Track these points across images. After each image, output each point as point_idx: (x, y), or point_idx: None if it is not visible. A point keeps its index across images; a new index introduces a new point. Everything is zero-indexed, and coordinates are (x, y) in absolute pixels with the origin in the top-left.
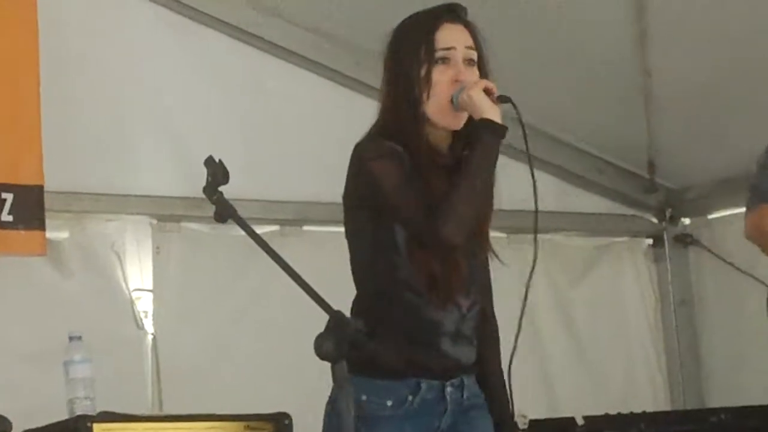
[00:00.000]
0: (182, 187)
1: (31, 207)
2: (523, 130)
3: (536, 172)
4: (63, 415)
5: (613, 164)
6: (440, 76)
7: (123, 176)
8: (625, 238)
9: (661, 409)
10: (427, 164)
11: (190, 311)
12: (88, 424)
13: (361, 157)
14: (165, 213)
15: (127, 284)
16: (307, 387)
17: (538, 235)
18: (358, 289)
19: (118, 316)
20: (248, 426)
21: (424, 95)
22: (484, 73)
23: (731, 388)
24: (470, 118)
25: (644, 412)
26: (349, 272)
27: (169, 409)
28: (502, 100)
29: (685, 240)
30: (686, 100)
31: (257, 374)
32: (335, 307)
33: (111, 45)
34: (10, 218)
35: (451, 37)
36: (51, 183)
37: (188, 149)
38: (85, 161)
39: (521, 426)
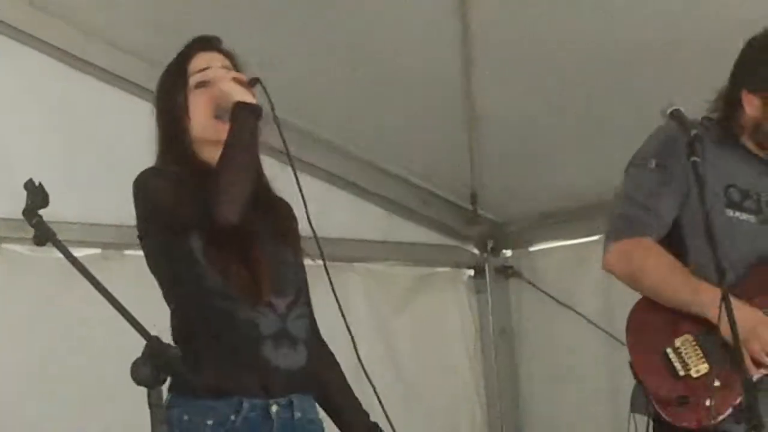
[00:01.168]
0: (3, 207)
1: None
2: (273, 112)
3: (362, 202)
4: None
5: (437, 195)
6: (200, 98)
7: None
8: (447, 269)
9: None
10: (203, 178)
11: (8, 335)
12: None
13: (137, 182)
14: None
15: None
16: (127, 412)
17: (363, 264)
18: (171, 312)
19: None
20: None
21: (186, 120)
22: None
23: (548, 419)
24: None
25: None
26: None
27: None
28: (252, 83)
29: (506, 271)
30: (509, 134)
31: (77, 400)
32: (155, 332)
33: None
34: None
35: (204, 61)
36: None
37: (10, 169)
38: None
39: None
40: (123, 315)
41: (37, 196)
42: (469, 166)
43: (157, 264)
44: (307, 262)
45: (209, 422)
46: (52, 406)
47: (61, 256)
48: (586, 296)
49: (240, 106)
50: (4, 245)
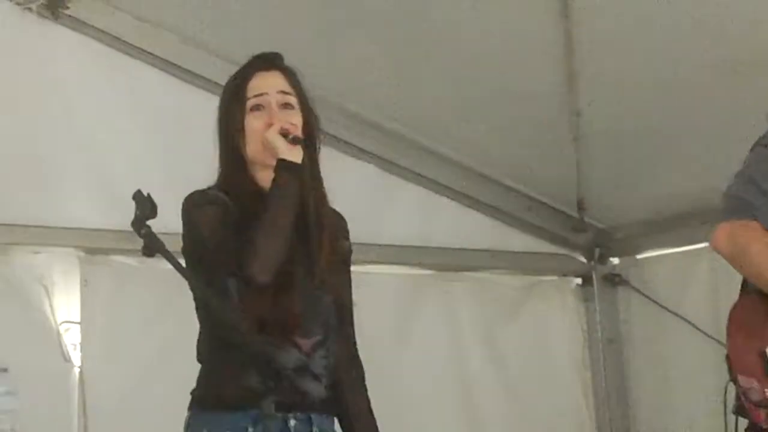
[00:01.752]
0: (111, 219)
1: None
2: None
3: (468, 211)
4: None
5: (543, 203)
6: (255, 122)
7: (51, 208)
8: (554, 277)
9: None
10: (254, 206)
11: (117, 344)
12: None
13: (184, 207)
14: (93, 246)
15: (54, 316)
16: None
17: (469, 273)
18: (200, 330)
19: (44, 348)
20: None
21: (241, 142)
22: (306, 115)
23: (658, 428)
24: None
25: None
26: None
27: None
28: (295, 141)
29: (613, 280)
30: (616, 140)
31: (185, 408)
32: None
33: (38, 77)
34: None
35: (263, 84)
36: None
37: (118, 182)
38: (11, 192)
39: None
40: None
41: (145, 206)
42: (576, 173)
43: (193, 286)
44: (416, 271)
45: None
46: (161, 415)
47: (169, 266)
48: (695, 303)
49: (282, 164)
50: (113, 257)
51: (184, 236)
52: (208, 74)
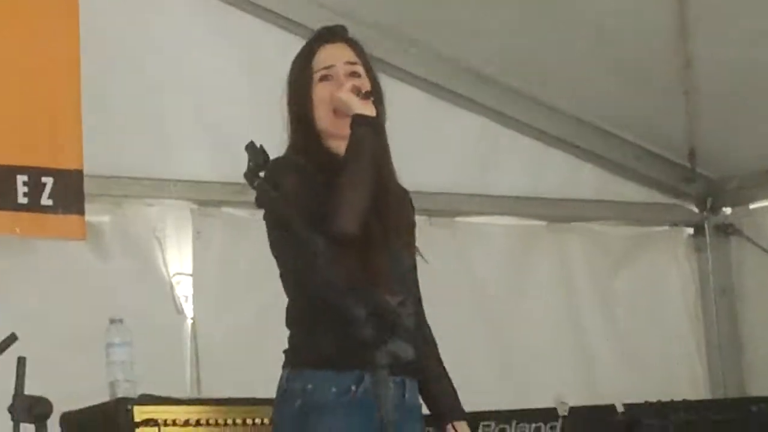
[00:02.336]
0: (223, 172)
1: (70, 191)
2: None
3: (576, 161)
4: (104, 398)
5: (653, 153)
6: (323, 92)
7: (164, 161)
8: (665, 228)
9: (702, 398)
10: (331, 172)
11: (229, 296)
12: (128, 407)
13: (270, 172)
14: (205, 198)
15: (167, 268)
16: None
17: (580, 224)
18: (289, 298)
19: (157, 300)
20: None
21: (312, 113)
22: (373, 84)
23: None
24: None
25: (684, 400)
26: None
27: (207, 393)
28: (367, 95)
29: (726, 230)
30: (728, 90)
31: None
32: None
33: (149, 30)
34: (50, 202)
35: (329, 56)
36: (91, 167)
37: (229, 134)
38: (125, 146)
39: (561, 413)
40: None
41: (258, 157)
42: (686, 123)
43: (281, 251)
44: (527, 221)
45: (333, 390)
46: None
47: None
48: None
49: (357, 119)
50: (224, 209)
51: (272, 201)
52: (314, 25)
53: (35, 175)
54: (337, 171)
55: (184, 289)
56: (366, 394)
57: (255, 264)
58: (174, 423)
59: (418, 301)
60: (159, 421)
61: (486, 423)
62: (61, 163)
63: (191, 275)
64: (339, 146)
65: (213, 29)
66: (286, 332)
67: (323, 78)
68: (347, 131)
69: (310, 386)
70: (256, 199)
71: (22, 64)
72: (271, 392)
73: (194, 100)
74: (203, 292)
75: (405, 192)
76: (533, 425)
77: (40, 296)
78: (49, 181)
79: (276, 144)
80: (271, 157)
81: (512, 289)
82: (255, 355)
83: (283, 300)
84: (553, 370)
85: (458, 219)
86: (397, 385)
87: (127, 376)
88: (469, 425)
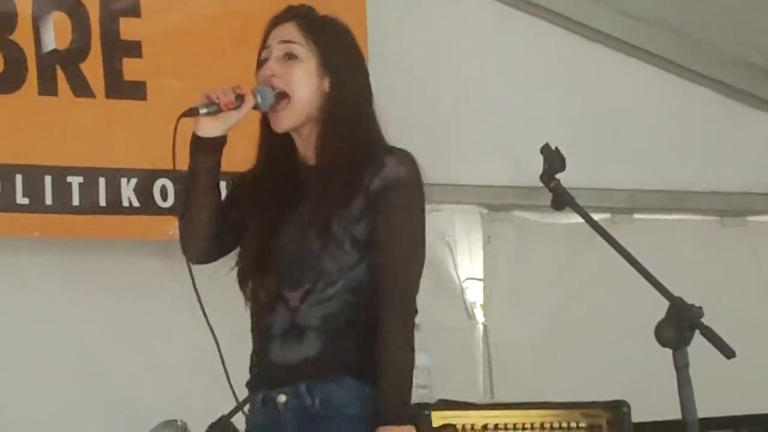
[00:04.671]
0: (511, 176)
1: None
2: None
3: None
4: None
5: None
6: (256, 80)
7: (452, 166)
8: None
9: None
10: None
11: (520, 299)
12: (426, 412)
13: None
14: (495, 202)
15: (457, 273)
16: (644, 374)
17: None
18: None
19: (449, 305)
20: (584, 414)
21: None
22: (328, 64)
23: None
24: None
25: None
26: (680, 259)
27: (501, 397)
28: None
29: None
30: None
31: (590, 361)
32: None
33: (436, 38)
34: None
35: (269, 37)
36: None
37: (516, 139)
38: (413, 152)
39: None
40: (644, 276)
41: (554, 160)
42: None
43: None
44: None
45: (248, 412)
46: (566, 369)
47: (570, 221)
48: None
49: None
50: (515, 213)
51: None
52: (608, 30)
53: None
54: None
55: (474, 294)
56: (266, 415)
57: (546, 267)
58: (472, 428)
59: (351, 288)
60: (457, 425)
61: None
62: None
63: (482, 280)
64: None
65: (503, 34)
66: (579, 334)
67: (260, 63)
68: (278, 128)
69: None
70: (553, 201)
71: None
72: (565, 395)
73: (483, 105)
74: (494, 296)
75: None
76: None
77: None
78: None
79: (564, 145)
80: (565, 159)
81: None
82: (547, 357)
83: (576, 303)
84: None
85: (751, 218)
86: (293, 397)
87: (425, 382)
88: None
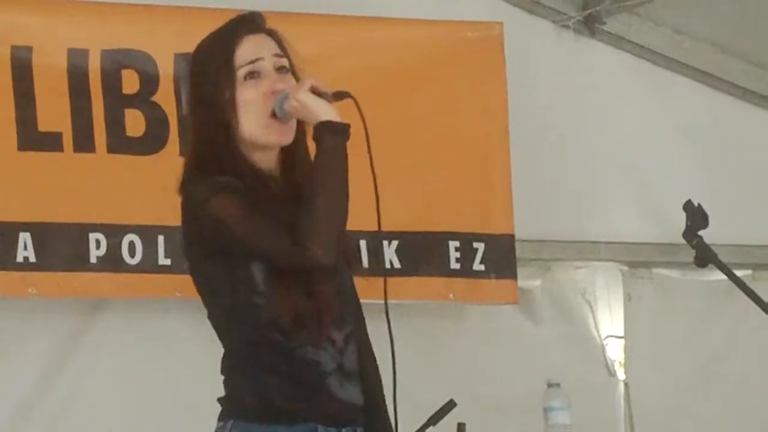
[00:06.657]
0: (652, 233)
1: (502, 256)
2: (366, 133)
3: None
4: None
5: None
6: (252, 92)
7: (592, 223)
8: None
9: None
10: (262, 190)
11: (662, 357)
12: None
13: (192, 200)
14: (636, 259)
15: (598, 331)
16: None
17: None
18: (224, 345)
19: (589, 363)
20: None
21: (234, 120)
22: (298, 80)
23: None
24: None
25: None
26: None
27: None
28: (338, 96)
29: None
30: None
31: (733, 421)
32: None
33: (577, 95)
34: (482, 267)
35: (255, 48)
36: (520, 232)
37: (657, 195)
38: (553, 210)
39: None
40: None
41: (697, 216)
42: None
43: (211, 290)
44: None
45: None
46: (708, 428)
47: (710, 279)
48: None
49: (325, 125)
50: (655, 270)
51: (195, 233)
52: (744, 83)
53: (467, 240)
54: (265, 190)
55: (614, 351)
56: None
57: (688, 324)
58: None
59: (364, 331)
60: None
61: None
62: (493, 228)
63: (622, 337)
64: (264, 159)
65: (640, 89)
66: (721, 393)
67: (249, 75)
68: (284, 140)
69: None
70: (696, 258)
71: (455, 136)
72: None
73: (622, 160)
74: (635, 353)
75: None
76: None
77: (472, 361)
78: (480, 246)
79: (706, 201)
80: (708, 215)
81: None
82: (690, 416)
83: (718, 360)
84: None
85: None
86: None
87: None
88: None
